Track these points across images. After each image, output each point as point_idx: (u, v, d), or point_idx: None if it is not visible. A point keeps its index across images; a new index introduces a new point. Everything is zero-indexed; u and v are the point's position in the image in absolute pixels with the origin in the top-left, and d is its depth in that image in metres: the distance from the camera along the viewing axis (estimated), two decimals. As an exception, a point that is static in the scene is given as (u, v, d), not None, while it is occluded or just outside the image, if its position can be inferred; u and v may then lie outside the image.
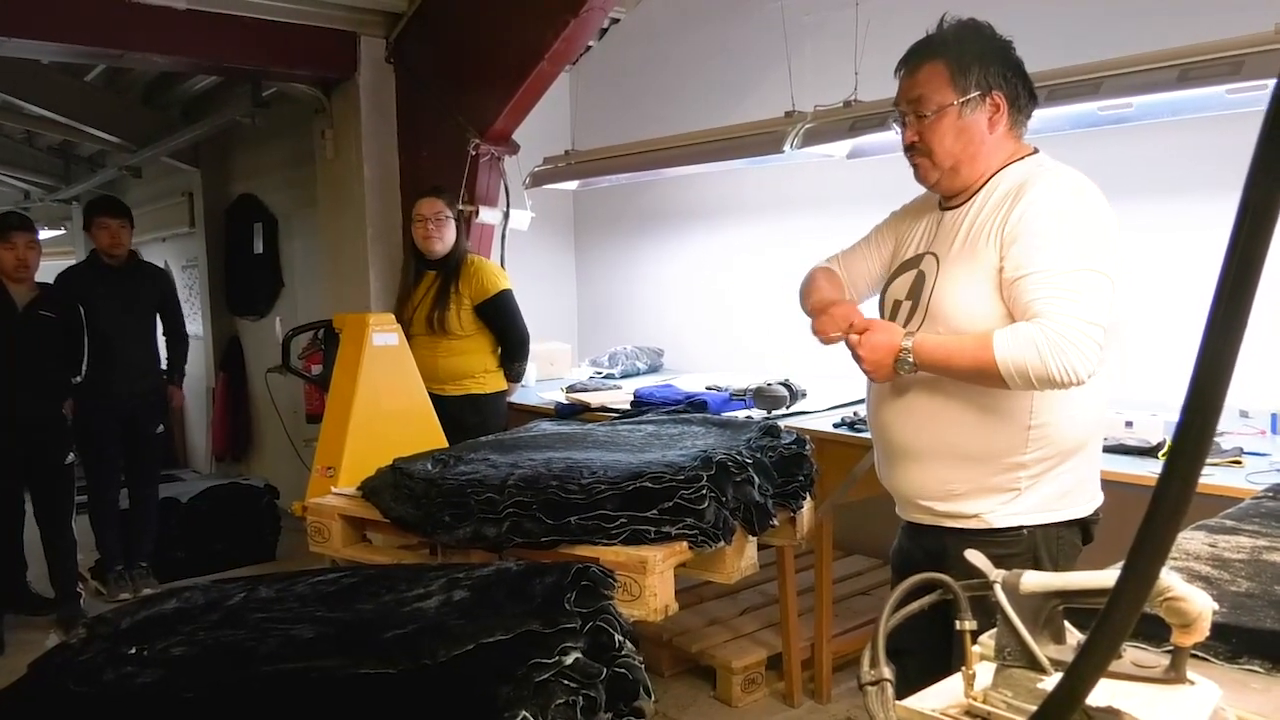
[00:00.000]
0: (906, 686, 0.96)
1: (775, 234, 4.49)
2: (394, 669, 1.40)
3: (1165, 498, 0.53)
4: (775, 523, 2.32)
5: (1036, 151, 1.87)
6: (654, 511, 2.08)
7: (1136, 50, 2.65)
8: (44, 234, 5.55)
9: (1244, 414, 2.83)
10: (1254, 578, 1.23)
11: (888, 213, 2.15)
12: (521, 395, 4.28)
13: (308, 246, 5.87)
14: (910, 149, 1.88)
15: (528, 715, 1.33)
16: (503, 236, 4.59)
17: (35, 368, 4.15)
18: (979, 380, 1.74)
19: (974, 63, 1.79)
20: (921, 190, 1.99)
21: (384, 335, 3.42)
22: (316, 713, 1.41)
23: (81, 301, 4.37)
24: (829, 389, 3.65)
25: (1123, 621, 0.57)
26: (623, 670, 1.54)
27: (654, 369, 4.89)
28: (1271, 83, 0.48)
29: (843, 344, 1.88)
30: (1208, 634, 0.84)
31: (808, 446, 2.55)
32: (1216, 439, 2.42)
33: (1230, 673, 1.02)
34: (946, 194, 1.91)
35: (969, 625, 0.94)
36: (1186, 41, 2.54)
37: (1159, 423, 2.64)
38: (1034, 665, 0.88)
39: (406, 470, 2.44)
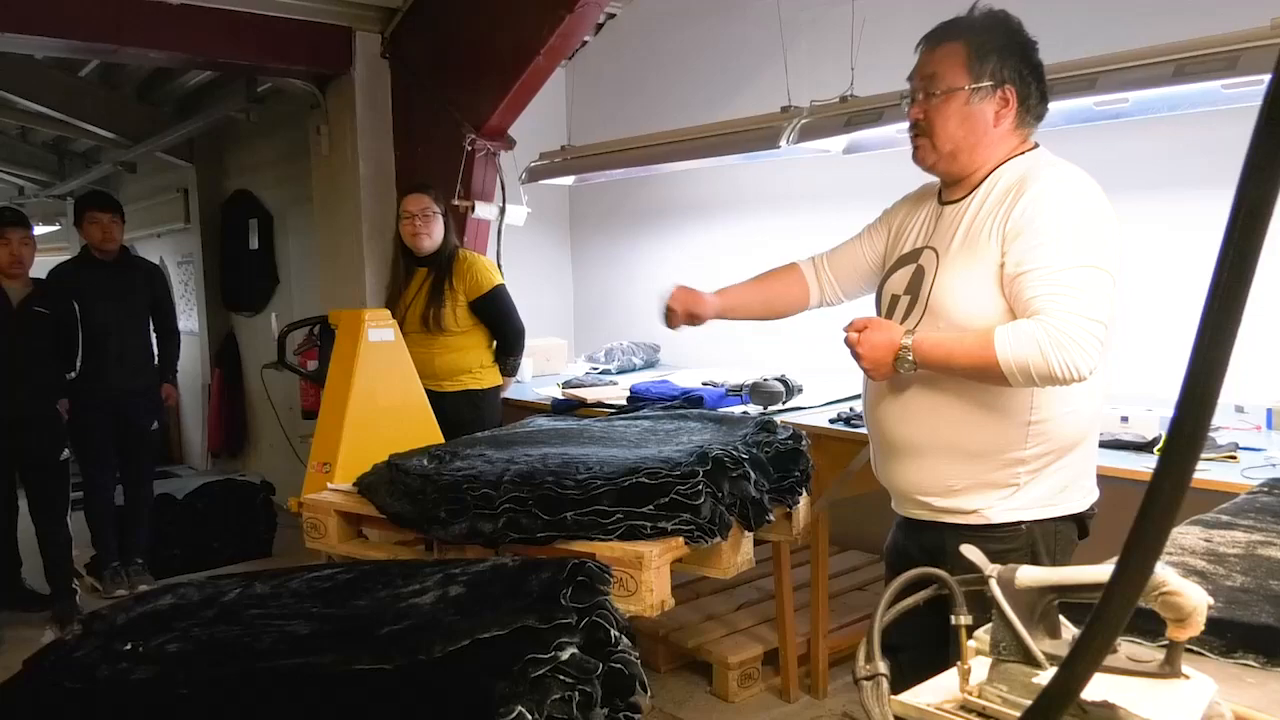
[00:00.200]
0: (902, 681, 0.97)
1: (771, 229, 4.48)
2: (390, 665, 1.40)
3: (1160, 492, 0.53)
4: (771, 518, 2.32)
5: (1037, 147, 1.87)
6: (650, 507, 2.07)
7: (1132, 45, 2.66)
8: (38, 230, 5.53)
9: (1239, 409, 2.84)
10: (1249, 572, 1.24)
11: (883, 209, 2.14)
12: (518, 391, 4.28)
13: (303, 242, 5.86)
14: (913, 126, 1.87)
15: (524, 711, 1.33)
16: (499, 232, 4.58)
17: (30, 364, 4.14)
18: (980, 378, 1.74)
19: (993, 53, 1.78)
20: (917, 175, 1.98)
21: (379, 331, 3.41)
22: (312, 709, 1.41)
23: (74, 297, 4.36)
24: (825, 384, 3.65)
25: (1118, 616, 0.57)
26: (619, 665, 1.54)
27: (650, 364, 4.89)
28: (1267, 78, 0.48)
29: (842, 342, 1.87)
30: (1203, 628, 0.84)
31: (804, 442, 2.55)
32: (1212, 434, 2.43)
33: (1225, 667, 1.02)
34: (943, 179, 1.91)
35: (964, 620, 0.94)
36: (1182, 37, 2.54)
37: (1154, 418, 2.64)
38: (1029, 660, 0.89)
39: (402, 466, 2.44)
